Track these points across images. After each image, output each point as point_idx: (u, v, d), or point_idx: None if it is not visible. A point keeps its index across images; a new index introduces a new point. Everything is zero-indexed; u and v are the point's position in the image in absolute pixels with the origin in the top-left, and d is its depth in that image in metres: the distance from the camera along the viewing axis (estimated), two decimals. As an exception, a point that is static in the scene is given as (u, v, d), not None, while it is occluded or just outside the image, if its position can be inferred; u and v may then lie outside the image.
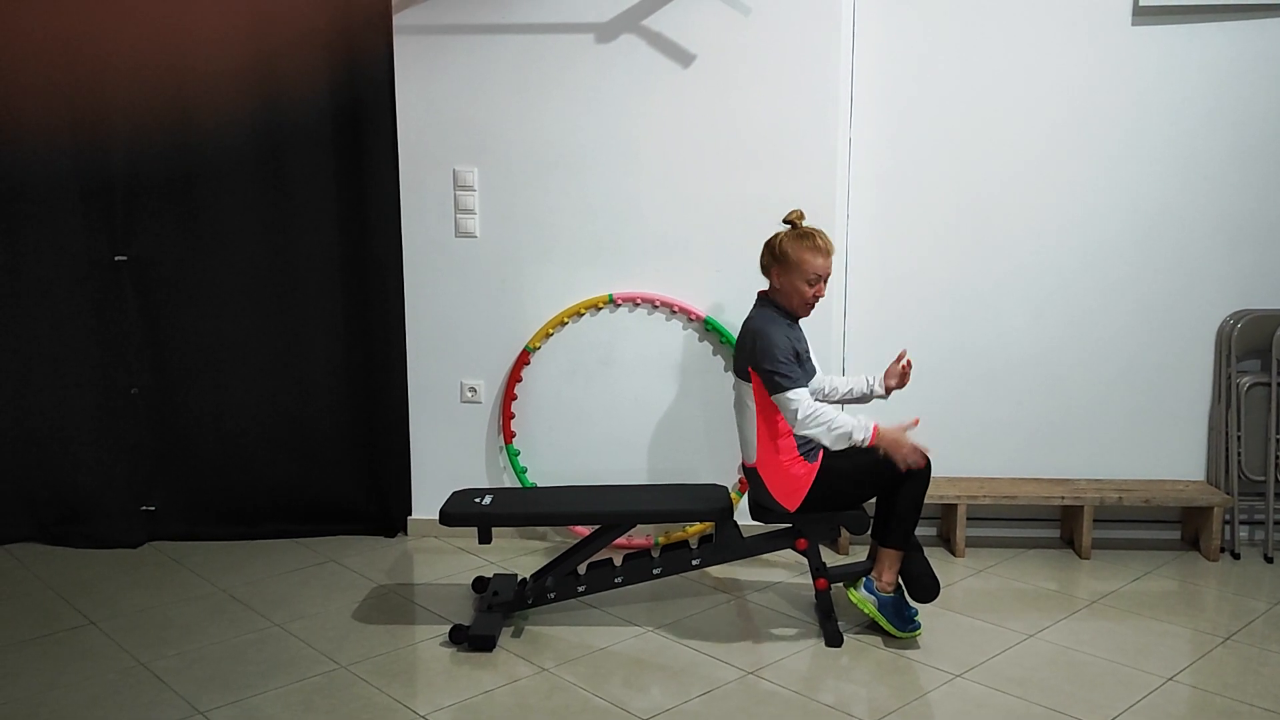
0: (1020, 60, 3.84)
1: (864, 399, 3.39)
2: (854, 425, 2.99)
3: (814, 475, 3.10)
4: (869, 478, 3.12)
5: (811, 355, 3.25)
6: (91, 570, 3.77)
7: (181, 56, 3.82)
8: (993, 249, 3.96)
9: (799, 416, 3.01)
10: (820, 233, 3.13)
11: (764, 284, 3.24)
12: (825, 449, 3.12)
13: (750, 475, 3.22)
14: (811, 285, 3.10)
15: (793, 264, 3.09)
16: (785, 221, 3.19)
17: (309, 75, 3.86)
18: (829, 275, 3.13)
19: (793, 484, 3.12)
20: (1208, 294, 3.93)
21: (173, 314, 4.00)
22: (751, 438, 3.17)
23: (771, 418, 3.12)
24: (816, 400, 3.08)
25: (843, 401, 3.42)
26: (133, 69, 3.82)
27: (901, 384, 3.33)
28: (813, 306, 3.16)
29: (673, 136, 3.83)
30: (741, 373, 3.16)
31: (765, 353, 3.05)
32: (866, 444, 3.00)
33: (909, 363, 3.32)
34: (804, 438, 3.11)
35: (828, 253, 3.11)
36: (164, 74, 3.83)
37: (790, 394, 3.02)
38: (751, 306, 3.23)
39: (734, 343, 3.81)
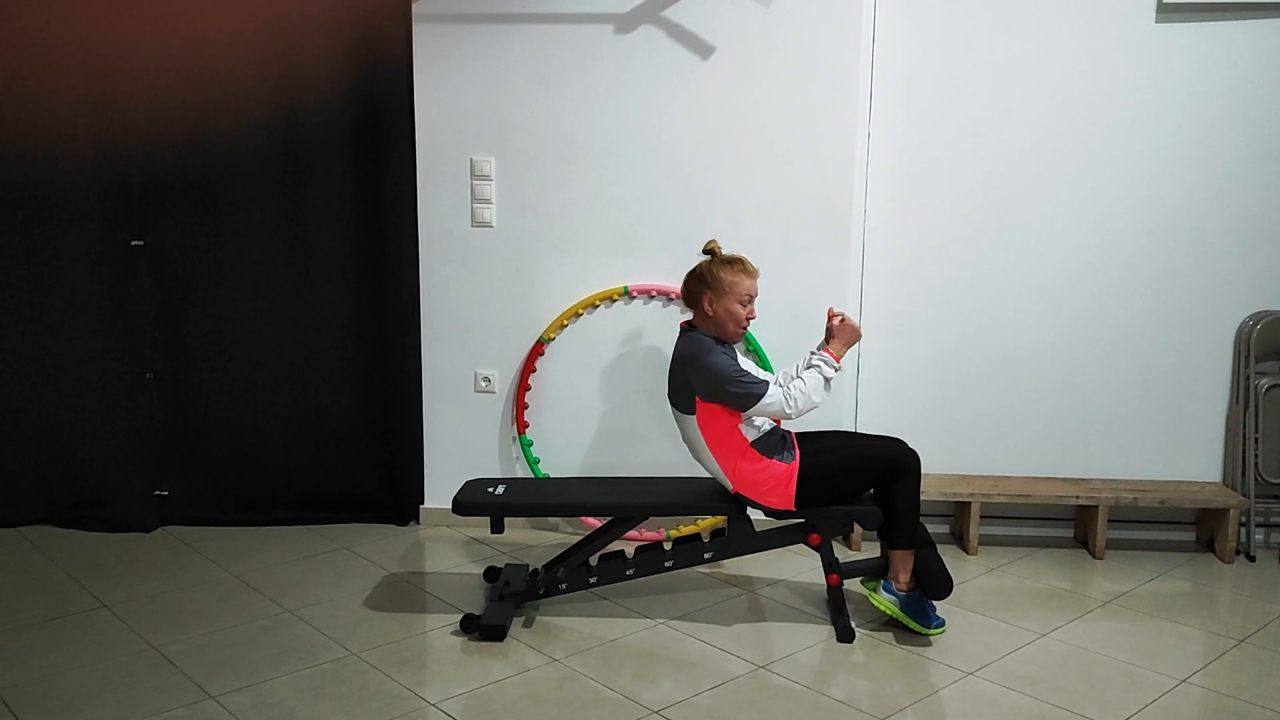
0: (1041, 56, 3.81)
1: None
2: (821, 372, 3.10)
3: (797, 469, 3.11)
4: (849, 472, 3.14)
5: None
6: (104, 554, 3.79)
7: (200, 47, 3.83)
8: (1010, 246, 3.93)
9: (787, 410, 3.06)
10: (745, 258, 3.18)
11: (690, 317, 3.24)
12: (799, 442, 3.19)
13: (740, 499, 3.17)
14: (744, 306, 3.13)
15: (726, 288, 3.11)
16: (705, 251, 3.22)
17: (327, 65, 3.86)
18: (756, 296, 3.17)
19: (779, 485, 3.11)
20: (1227, 294, 3.90)
21: (189, 301, 4.00)
22: (716, 467, 3.15)
23: (724, 440, 3.11)
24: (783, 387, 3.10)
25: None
26: (151, 64, 3.83)
27: (848, 339, 3.18)
28: (745, 329, 3.17)
29: (691, 129, 3.82)
30: (682, 405, 3.14)
31: (715, 378, 3.05)
32: (840, 367, 3.14)
33: (842, 317, 3.18)
34: (763, 440, 3.13)
35: (754, 274, 3.15)
36: (183, 67, 3.84)
37: (765, 399, 3.04)
38: (676, 339, 3.21)
39: (752, 339, 3.81)
